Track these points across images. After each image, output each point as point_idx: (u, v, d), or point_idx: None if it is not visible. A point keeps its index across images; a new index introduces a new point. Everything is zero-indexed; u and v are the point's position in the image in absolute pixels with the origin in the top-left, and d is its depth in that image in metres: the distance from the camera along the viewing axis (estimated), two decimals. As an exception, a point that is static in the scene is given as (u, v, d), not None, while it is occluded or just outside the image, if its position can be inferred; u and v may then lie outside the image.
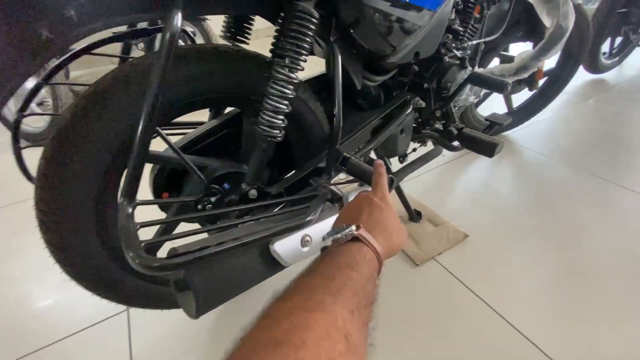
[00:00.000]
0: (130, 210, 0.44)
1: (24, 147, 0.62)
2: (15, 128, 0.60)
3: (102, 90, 0.49)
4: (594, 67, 2.04)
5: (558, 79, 1.47)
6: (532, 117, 1.55)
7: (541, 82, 1.36)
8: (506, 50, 1.28)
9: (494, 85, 0.75)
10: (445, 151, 1.45)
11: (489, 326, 0.80)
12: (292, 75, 0.56)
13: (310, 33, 0.54)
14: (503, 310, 0.82)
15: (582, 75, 2.14)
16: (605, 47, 2.07)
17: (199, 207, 0.65)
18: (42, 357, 0.79)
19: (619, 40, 2.14)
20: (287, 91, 0.56)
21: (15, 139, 0.61)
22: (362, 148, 0.75)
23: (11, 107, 1.23)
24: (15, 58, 0.40)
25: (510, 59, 1.09)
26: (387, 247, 0.41)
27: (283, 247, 0.52)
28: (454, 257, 0.98)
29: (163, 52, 0.41)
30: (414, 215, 1.09)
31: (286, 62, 0.55)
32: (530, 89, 1.30)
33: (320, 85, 0.78)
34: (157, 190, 0.69)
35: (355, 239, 0.38)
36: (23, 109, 0.57)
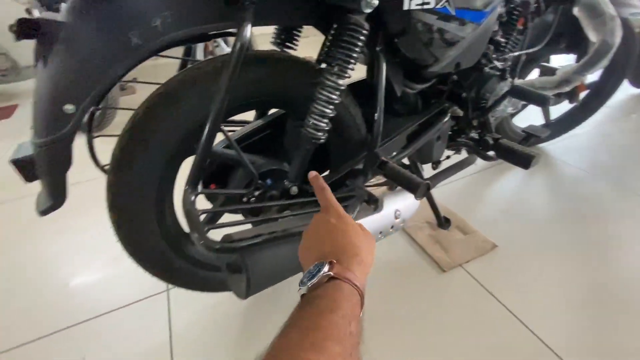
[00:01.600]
0: (193, 197, 0.50)
1: (95, 137, 0.69)
2: (89, 120, 0.67)
3: (172, 90, 0.55)
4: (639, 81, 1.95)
5: (600, 92, 1.43)
6: (571, 130, 1.51)
7: (582, 94, 1.33)
8: (547, 61, 1.27)
9: (535, 99, 0.76)
10: (477, 160, 1.45)
11: (513, 335, 0.80)
12: (339, 82, 0.60)
13: (360, 43, 0.58)
14: (529, 321, 0.82)
15: (625, 89, 2.04)
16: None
17: (244, 200, 0.71)
18: (87, 328, 0.87)
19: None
20: (334, 97, 0.60)
21: (89, 130, 0.68)
22: (397, 153, 0.78)
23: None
24: (108, 61, 0.46)
25: (551, 71, 1.08)
26: (363, 271, 0.39)
27: (323, 241, 0.56)
28: (481, 265, 0.98)
29: (234, 58, 0.46)
30: (443, 222, 1.10)
31: (335, 69, 0.59)
32: (571, 102, 1.28)
33: (360, 90, 0.82)
34: (205, 182, 0.75)
35: (331, 277, 0.36)
36: (97, 103, 0.64)
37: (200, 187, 0.51)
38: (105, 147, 0.73)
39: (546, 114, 1.46)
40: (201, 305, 0.90)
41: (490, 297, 0.89)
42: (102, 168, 0.68)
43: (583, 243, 1.04)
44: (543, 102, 0.74)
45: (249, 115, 0.81)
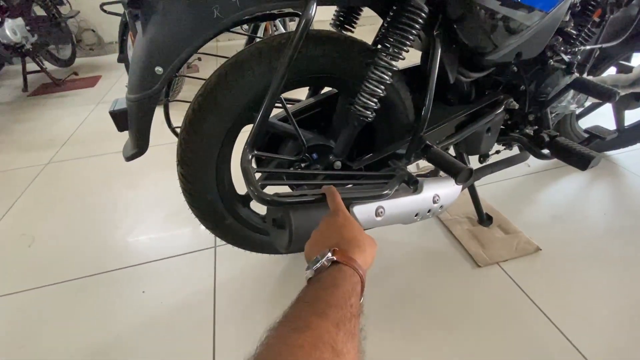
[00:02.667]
0: (250, 156, 0.56)
1: (171, 100, 0.79)
2: (168, 85, 0.77)
3: (241, 60, 0.62)
4: None
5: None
6: (646, 139, 1.36)
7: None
8: (627, 60, 1.15)
9: (599, 93, 0.71)
10: (531, 162, 1.38)
11: (545, 339, 0.78)
12: (393, 63, 0.62)
13: (417, 26, 0.60)
14: (565, 328, 0.79)
15: None
16: None
17: (291, 169, 0.77)
18: (146, 269, 1.01)
19: None
20: (386, 77, 0.63)
21: (166, 94, 0.78)
22: (443, 140, 0.79)
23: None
24: (194, 31, 0.54)
25: (629, 70, 0.99)
26: (364, 260, 0.43)
27: (361, 211, 0.60)
28: (520, 266, 0.95)
29: (298, 33, 0.51)
30: (485, 219, 1.08)
31: (390, 50, 0.62)
32: (650, 107, 1.16)
33: (412, 76, 0.83)
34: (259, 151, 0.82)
35: (334, 262, 0.40)
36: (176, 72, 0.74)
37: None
38: (174, 112, 0.83)
39: (620, 118, 1.33)
40: (243, 264, 1.00)
41: (525, 297, 0.87)
42: (173, 130, 0.78)
43: (637, 259, 0.96)
44: (608, 97, 0.69)
45: (302, 93, 0.86)
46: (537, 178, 1.31)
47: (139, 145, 0.61)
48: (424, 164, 1.34)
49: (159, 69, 0.54)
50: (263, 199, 0.49)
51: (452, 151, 1.00)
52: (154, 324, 0.86)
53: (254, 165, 0.58)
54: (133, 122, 0.60)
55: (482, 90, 0.87)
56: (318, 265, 0.40)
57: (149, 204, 1.27)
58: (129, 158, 0.62)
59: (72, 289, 0.96)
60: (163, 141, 1.15)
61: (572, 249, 1.00)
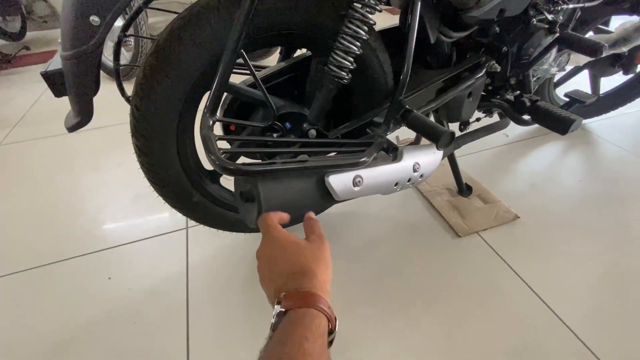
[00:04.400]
0: (211, 122, 0.50)
1: (122, 66, 0.70)
2: (117, 47, 0.68)
3: (195, 14, 0.54)
4: None
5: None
6: (620, 106, 1.37)
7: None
8: (606, 24, 1.13)
9: (585, 47, 0.67)
10: (509, 132, 1.37)
11: (524, 304, 0.79)
12: (368, 15, 0.56)
13: (394, -27, 0.53)
14: (543, 293, 0.80)
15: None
16: None
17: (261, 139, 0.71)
18: (113, 254, 0.94)
19: None
20: (361, 32, 0.57)
21: (116, 58, 0.69)
22: (424, 106, 0.74)
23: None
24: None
25: (607, 34, 0.97)
26: (319, 283, 0.38)
27: (337, 180, 0.56)
28: (500, 234, 0.95)
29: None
30: (464, 189, 1.06)
31: (366, 1, 0.56)
32: (626, 73, 1.16)
33: (391, 38, 0.77)
34: (224, 125, 0.75)
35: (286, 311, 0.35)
36: (125, 29, 0.65)
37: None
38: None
39: (595, 85, 1.34)
40: (217, 244, 0.95)
41: (505, 265, 0.87)
42: (127, 98, 0.69)
43: (614, 225, 0.98)
44: (595, 52, 0.66)
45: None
46: (515, 148, 1.31)
47: (81, 113, 0.53)
48: (404, 137, 1.31)
49: (94, 19, 0.45)
50: (226, 168, 0.43)
51: (432, 119, 0.96)
52: (121, 312, 0.80)
53: (218, 133, 0.51)
54: (71, 84, 0.51)
55: (464, 53, 0.82)
56: (272, 322, 0.36)
57: (114, 186, 1.18)
58: (71, 128, 0.54)
59: (30, 279, 0.88)
60: (126, 116, 1.05)
61: (549, 216, 1.01)
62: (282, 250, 0.41)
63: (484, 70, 0.78)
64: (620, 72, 1.17)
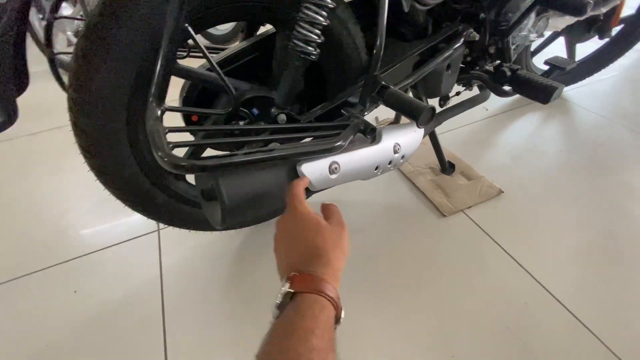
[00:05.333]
0: (159, 112, 0.43)
1: (57, 54, 0.61)
2: (47, 32, 0.59)
3: (131, -16, 0.46)
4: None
5: (635, 29, 1.27)
6: (597, 72, 1.37)
7: (615, 30, 1.18)
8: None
9: (570, 5, 0.63)
10: (489, 106, 1.34)
11: (513, 280, 0.77)
12: (334, -19, 0.50)
13: None
14: (530, 267, 0.79)
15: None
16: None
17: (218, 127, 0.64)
18: (77, 265, 0.86)
19: None
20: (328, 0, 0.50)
21: (48, 43, 0.60)
22: (401, 81, 0.69)
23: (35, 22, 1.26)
24: None
25: None
26: (332, 269, 0.37)
27: (311, 169, 0.50)
28: (484, 211, 0.93)
29: None
30: (447, 167, 1.03)
31: (329, -36, 0.49)
32: (601, 37, 1.14)
33: (362, 10, 0.71)
34: (186, 114, 0.68)
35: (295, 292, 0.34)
36: (55, 10, 0.55)
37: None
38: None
39: (571, 52, 1.32)
40: (193, 245, 0.88)
41: (492, 242, 0.85)
42: (65, 88, 0.60)
43: (596, 192, 0.98)
44: (579, 10, 0.62)
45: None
46: (495, 121, 1.29)
47: (4, 113, 0.45)
48: (383, 117, 1.26)
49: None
50: (176, 165, 0.37)
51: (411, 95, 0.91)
52: (89, 327, 0.74)
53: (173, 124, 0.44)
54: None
55: (440, 23, 0.77)
56: (279, 302, 0.34)
57: (77, 189, 1.08)
58: (-7, 130, 0.46)
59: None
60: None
61: (533, 188, 1.00)
62: (302, 226, 0.40)
63: (462, 39, 0.73)
64: (596, 38, 1.16)
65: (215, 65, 0.46)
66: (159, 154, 0.37)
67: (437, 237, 0.88)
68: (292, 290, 0.34)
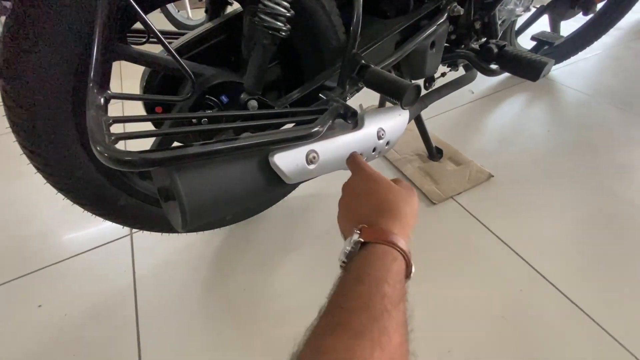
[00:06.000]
0: (101, 100, 0.36)
1: None
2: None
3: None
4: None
5: (618, 4, 1.24)
6: (582, 50, 1.35)
7: (599, 6, 1.15)
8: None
9: None
10: (475, 88, 1.31)
11: (507, 266, 0.74)
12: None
13: None
14: (524, 252, 0.76)
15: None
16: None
17: (194, 121, 0.58)
18: (46, 275, 0.79)
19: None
20: (295, -33, 0.44)
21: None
22: (383, 61, 0.64)
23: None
24: None
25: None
26: (402, 225, 0.37)
27: (285, 160, 0.45)
28: (475, 197, 0.90)
29: None
30: (435, 153, 0.99)
31: None
32: (586, 13, 1.11)
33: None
34: (148, 105, 0.61)
35: (364, 243, 0.34)
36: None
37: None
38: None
39: (556, 31, 1.29)
40: (167, 248, 0.82)
41: (484, 229, 0.82)
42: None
43: (584, 171, 0.96)
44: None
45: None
46: (481, 104, 1.25)
47: None
48: (367, 104, 1.21)
49: None
50: (117, 160, 0.31)
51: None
52: (56, 344, 0.67)
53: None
54: None
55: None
56: (347, 250, 0.34)
57: (39, 195, 1.00)
58: None
59: None
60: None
61: (522, 170, 0.97)
62: (374, 184, 0.41)
63: (446, 14, 0.68)
64: (580, 14, 1.13)
65: (168, 45, 0.39)
66: (98, 148, 0.31)
67: (427, 226, 0.84)
68: (362, 240, 0.34)
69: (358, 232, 0.34)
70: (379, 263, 0.31)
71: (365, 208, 0.39)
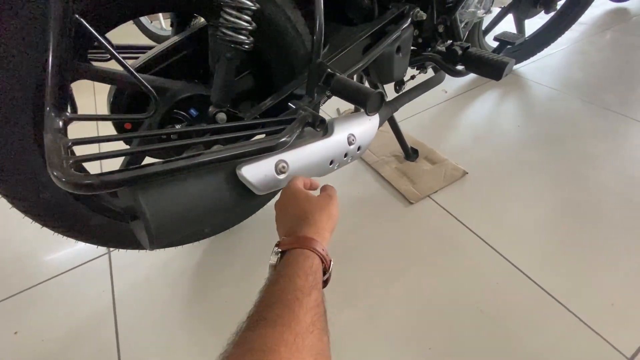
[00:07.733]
0: (59, 123, 0.36)
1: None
2: None
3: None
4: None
5: (578, 1, 1.30)
6: (546, 47, 1.40)
7: (559, 4, 1.20)
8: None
9: None
10: (447, 88, 1.34)
11: (483, 261, 0.76)
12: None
13: None
14: (498, 246, 0.78)
15: (602, 4, 1.93)
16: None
17: (164, 137, 0.57)
18: (21, 300, 0.77)
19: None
20: (253, -19, 0.45)
21: None
22: (350, 67, 0.65)
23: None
24: None
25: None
26: (319, 228, 0.40)
27: (252, 171, 0.45)
28: (450, 194, 0.92)
29: None
30: (410, 154, 1.02)
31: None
32: (547, 11, 1.15)
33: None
34: (117, 123, 0.60)
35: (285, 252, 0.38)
36: None
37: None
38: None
39: (520, 29, 1.34)
40: (147, 265, 0.81)
41: (460, 225, 0.84)
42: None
43: (556, 163, 0.99)
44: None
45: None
46: (454, 103, 1.29)
47: None
48: (345, 108, 1.22)
49: None
50: (76, 184, 0.30)
51: (366, 85, 0.88)
52: (33, 372, 0.65)
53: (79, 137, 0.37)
54: None
55: (386, 4, 0.73)
56: (272, 262, 0.38)
57: (10, 217, 0.96)
58: None
59: None
60: None
61: (496, 166, 1.00)
62: (293, 198, 0.45)
63: (409, 19, 0.70)
64: (542, 12, 1.17)
65: (123, 61, 0.39)
66: (54, 172, 0.31)
67: (405, 226, 0.86)
68: (280, 250, 0.38)
69: (276, 245, 0.39)
70: (293, 263, 0.35)
71: (288, 221, 0.43)
